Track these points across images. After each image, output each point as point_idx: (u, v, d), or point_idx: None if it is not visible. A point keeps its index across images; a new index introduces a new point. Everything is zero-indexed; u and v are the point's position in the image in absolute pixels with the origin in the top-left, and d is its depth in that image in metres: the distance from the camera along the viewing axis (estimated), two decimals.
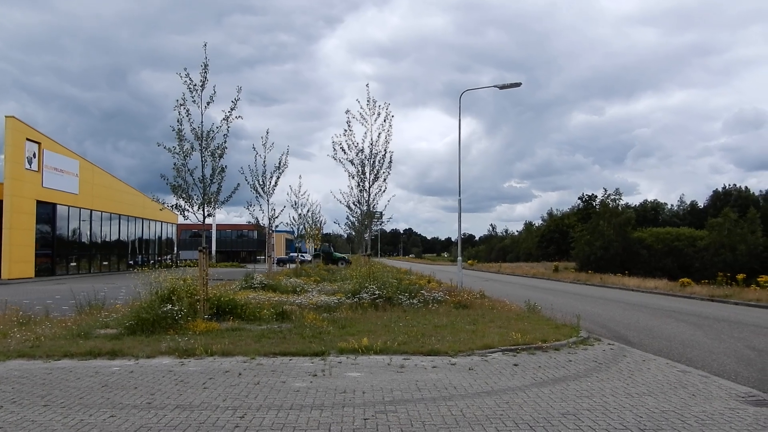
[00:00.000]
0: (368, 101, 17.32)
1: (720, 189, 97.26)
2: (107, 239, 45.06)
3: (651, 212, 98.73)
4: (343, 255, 61.60)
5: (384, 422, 5.57)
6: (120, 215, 46.45)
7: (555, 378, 7.60)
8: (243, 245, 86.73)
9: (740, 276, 24.58)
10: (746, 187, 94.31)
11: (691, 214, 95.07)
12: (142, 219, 50.49)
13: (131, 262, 47.41)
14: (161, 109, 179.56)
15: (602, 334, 11.79)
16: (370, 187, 17.85)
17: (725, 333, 12.85)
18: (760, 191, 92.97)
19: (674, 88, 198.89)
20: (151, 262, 47.32)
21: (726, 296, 21.73)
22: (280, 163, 24.07)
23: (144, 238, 51.93)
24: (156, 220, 52.88)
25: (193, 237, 76.07)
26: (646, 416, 5.90)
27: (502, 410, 6.04)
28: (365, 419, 5.68)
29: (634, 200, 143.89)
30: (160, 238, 55.74)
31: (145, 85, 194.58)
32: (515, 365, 8.34)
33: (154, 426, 5.43)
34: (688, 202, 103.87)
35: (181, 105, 12.27)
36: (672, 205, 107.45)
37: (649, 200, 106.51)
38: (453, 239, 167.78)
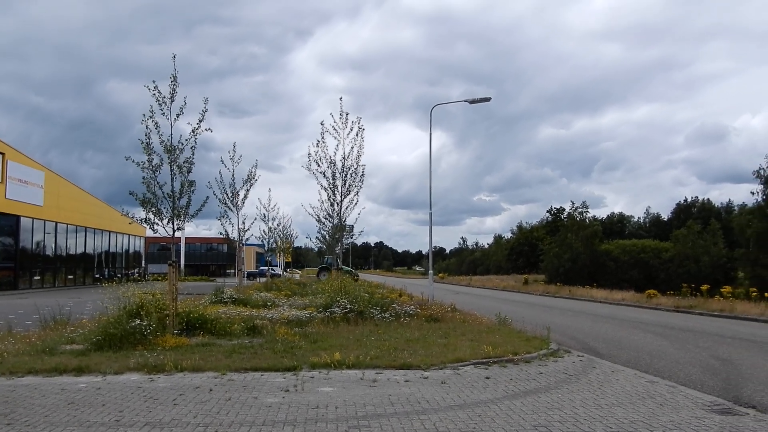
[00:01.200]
0: (341, 114, 17.38)
1: (683, 201, 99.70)
2: (73, 252, 44.12)
3: (617, 224, 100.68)
4: (350, 268, 59.65)
5: None
6: (86, 228, 45.55)
7: (526, 390, 7.67)
8: (212, 259, 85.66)
9: (704, 287, 25.17)
10: (708, 200, 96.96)
11: (655, 226, 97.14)
12: (109, 232, 49.59)
13: (97, 275, 46.48)
14: (129, 120, 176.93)
15: (572, 346, 11.93)
16: (341, 201, 17.85)
17: (691, 343, 13.12)
18: (722, 203, 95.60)
19: (639, 102, 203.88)
20: (118, 275, 46.44)
21: (691, 307, 22.22)
22: (249, 176, 23.89)
23: (111, 251, 50.99)
24: (123, 233, 51.99)
25: (161, 250, 74.91)
26: (616, 427, 5.99)
27: (474, 423, 6.07)
28: None
29: (601, 213, 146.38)
30: (127, 251, 54.80)
31: (112, 94, 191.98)
32: (487, 378, 8.39)
33: None
34: (653, 214, 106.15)
35: (149, 118, 12.13)
36: (638, 218, 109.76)
37: (615, 213, 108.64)
38: (424, 252, 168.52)
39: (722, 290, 24.41)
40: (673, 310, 22.58)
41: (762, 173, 46.79)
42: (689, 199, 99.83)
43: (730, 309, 20.43)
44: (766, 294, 22.41)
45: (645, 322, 17.93)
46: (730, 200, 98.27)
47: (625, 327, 16.65)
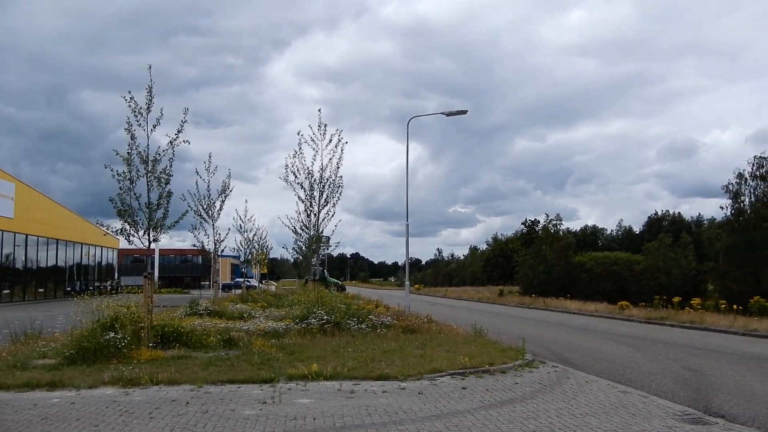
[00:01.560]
0: (319, 126, 17.45)
1: (654, 215, 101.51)
2: (44, 265, 43.24)
3: (591, 237, 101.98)
4: (336, 280, 58.81)
5: None
6: (58, 240, 44.72)
7: (502, 400, 7.76)
8: (187, 270, 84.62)
9: (676, 299, 25.62)
10: (679, 213, 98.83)
11: (627, 239, 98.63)
12: (81, 244, 48.74)
13: (69, 288, 45.61)
14: (102, 130, 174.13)
15: (547, 357, 12.08)
16: (318, 212, 17.88)
17: (662, 354, 13.37)
18: (692, 217, 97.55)
19: (612, 117, 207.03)
20: (91, 288, 45.68)
21: (662, 318, 22.60)
22: (224, 187, 23.76)
23: (83, 263, 50.09)
24: (96, 245, 51.15)
25: (135, 262, 73.82)
26: None
27: None
28: None
29: (575, 225, 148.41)
30: (100, 263, 53.89)
31: (86, 104, 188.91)
32: (464, 388, 8.47)
33: None
34: (625, 227, 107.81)
35: (126, 129, 12.08)
36: (611, 230, 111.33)
37: (588, 225, 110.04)
38: (400, 263, 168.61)
39: (692, 302, 24.89)
40: (645, 321, 22.95)
41: (731, 188, 47.99)
42: (660, 213, 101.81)
43: (700, 321, 20.83)
44: (734, 306, 22.92)
45: (618, 334, 18.22)
46: (700, 214, 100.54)
47: (599, 338, 16.90)
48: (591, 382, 9.34)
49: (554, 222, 68.79)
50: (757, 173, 47.07)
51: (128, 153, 12.04)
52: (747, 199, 47.52)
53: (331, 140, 17.33)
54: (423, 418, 6.79)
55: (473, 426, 6.43)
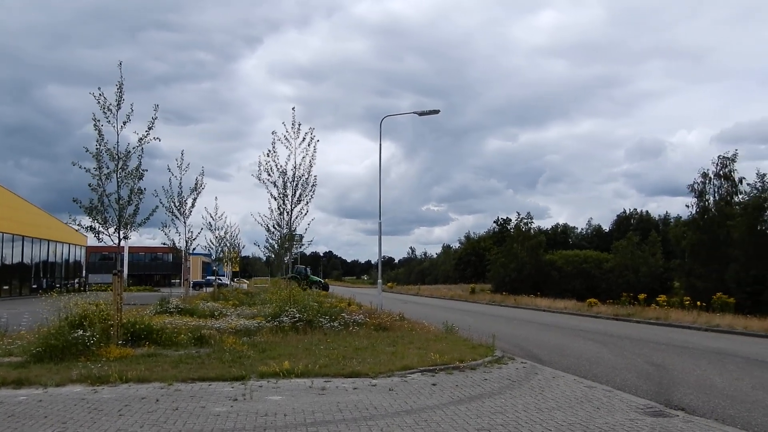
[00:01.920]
0: (293, 124, 17.41)
1: (623, 213, 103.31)
2: (9, 262, 42.26)
3: (561, 235, 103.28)
4: (319, 279, 57.79)
5: None
6: (23, 237, 43.74)
7: (471, 396, 7.90)
8: (157, 268, 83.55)
9: (641, 296, 26.20)
10: (647, 212, 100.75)
11: (597, 237, 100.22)
12: (48, 241, 47.76)
13: (35, 286, 44.70)
14: (69, 126, 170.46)
15: (516, 353, 12.28)
16: (291, 210, 17.84)
17: (628, 350, 13.69)
18: (659, 215, 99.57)
19: (582, 117, 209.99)
20: (58, 286, 44.79)
21: (629, 315, 23.10)
22: (196, 185, 23.56)
23: (50, 260, 49.10)
24: (63, 242, 50.18)
25: (103, 260, 72.61)
26: (555, 429, 6.26)
27: (420, 428, 6.24)
28: None
29: (546, 224, 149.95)
30: (67, 261, 52.86)
31: (52, 99, 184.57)
32: (434, 385, 8.59)
33: None
34: (595, 226, 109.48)
35: (94, 125, 11.93)
36: (581, 229, 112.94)
37: (559, 224, 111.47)
38: (373, 262, 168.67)
39: (658, 299, 25.48)
40: (612, 318, 23.43)
41: (696, 187, 49.13)
42: (629, 211, 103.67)
43: (665, 317, 21.35)
44: (697, 303, 23.54)
45: (586, 330, 18.57)
46: (667, 212, 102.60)
47: (567, 335, 17.21)
48: (558, 377, 9.54)
49: (525, 221, 69.60)
50: (721, 173, 48.28)
51: (97, 149, 11.89)
52: (711, 198, 48.71)
53: (304, 139, 17.32)
54: (393, 413, 6.88)
55: (442, 421, 6.55)
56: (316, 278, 55.44)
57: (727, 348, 14.10)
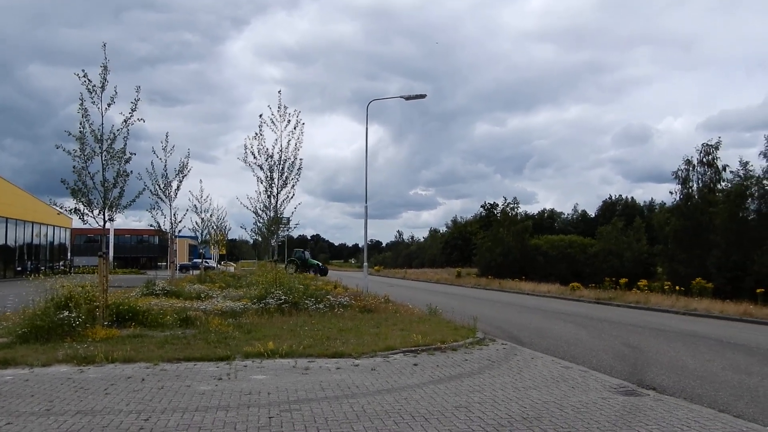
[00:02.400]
0: (279, 107, 17.42)
1: (609, 199, 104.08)
2: None
3: (548, 220, 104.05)
4: (317, 262, 56.10)
5: (288, 420, 5.82)
6: (7, 219, 43.40)
7: (451, 375, 8.12)
8: (143, 251, 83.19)
9: (623, 280, 26.62)
10: (632, 198, 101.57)
11: (583, 223, 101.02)
12: (32, 223, 47.44)
13: (19, 268, 44.47)
14: (52, 106, 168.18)
15: (497, 335, 12.53)
16: (278, 193, 17.91)
17: (606, 332, 14.01)
18: (644, 202, 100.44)
19: (570, 103, 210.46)
20: (42, 268, 44.58)
21: (610, 299, 23.50)
22: (182, 167, 23.53)
23: (34, 243, 48.80)
24: (47, 224, 49.86)
25: (88, 242, 72.23)
26: (530, 407, 6.48)
27: (400, 405, 6.44)
28: (270, 417, 5.90)
29: (533, 209, 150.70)
30: (51, 243, 52.55)
31: (33, 79, 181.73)
32: (415, 365, 8.79)
33: (55, 431, 5.39)
34: (581, 211, 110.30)
35: (80, 106, 11.92)
36: (567, 214, 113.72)
37: (546, 209, 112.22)
38: (360, 245, 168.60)
39: (639, 283, 25.92)
40: (594, 301, 23.83)
41: (680, 174, 49.69)
42: (614, 197, 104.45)
43: (645, 301, 21.77)
44: (677, 287, 23.98)
45: (567, 313, 18.91)
46: (652, 199, 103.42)
47: (548, 317, 17.53)
48: (537, 358, 9.79)
49: (512, 206, 70.00)
50: (704, 160, 48.84)
51: (81, 131, 11.89)
52: (695, 185, 49.30)
53: (290, 122, 17.35)
54: (374, 392, 7.08)
55: (421, 399, 6.75)
56: (314, 262, 54.55)
57: (702, 331, 14.45)
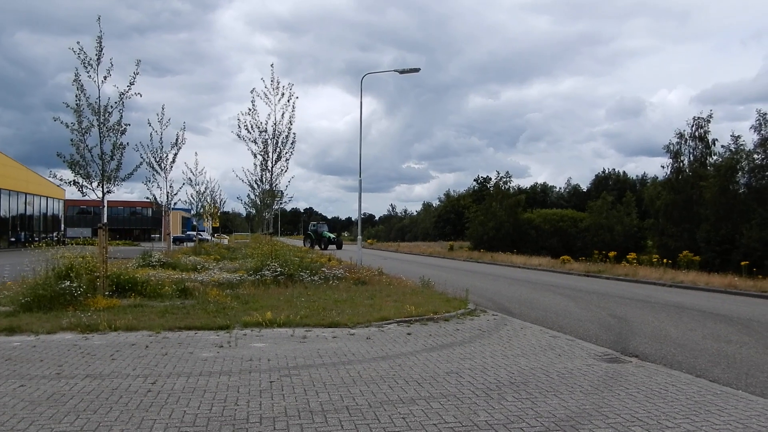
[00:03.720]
0: (272, 81, 17.49)
1: (601, 173, 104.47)
2: None
3: (540, 194, 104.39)
4: (332, 234, 55.08)
5: (288, 384, 6.13)
6: (0, 189, 43.38)
7: (443, 344, 8.45)
8: (136, 223, 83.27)
9: (612, 253, 27.08)
10: (624, 172, 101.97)
11: (575, 197, 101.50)
12: (25, 194, 47.38)
13: (12, 239, 44.56)
14: (41, 75, 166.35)
15: (488, 307, 12.89)
16: (272, 167, 18.08)
17: (593, 303, 14.40)
18: (637, 176, 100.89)
19: (564, 75, 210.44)
20: (36, 239, 44.66)
21: (599, 271, 23.95)
22: (177, 140, 23.64)
23: (27, 214, 48.80)
24: (40, 195, 49.81)
25: (81, 214, 72.21)
26: (517, 373, 6.82)
27: (394, 371, 6.76)
28: (271, 381, 6.21)
29: (526, 183, 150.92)
30: (45, 214, 52.55)
31: (21, 47, 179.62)
32: (408, 334, 9.13)
33: (67, 393, 5.68)
34: (573, 185, 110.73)
35: (74, 80, 11.98)
36: (559, 188, 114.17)
37: (539, 183, 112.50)
38: (353, 219, 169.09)
39: (628, 257, 26.39)
40: (583, 274, 24.27)
41: (671, 148, 49.97)
42: (608, 171, 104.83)
43: (633, 274, 22.21)
44: (664, 260, 24.44)
45: (557, 285, 19.32)
46: (644, 173, 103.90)
47: (539, 289, 17.92)
48: (526, 328, 10.14)
49: (505, 179, 70.22)
50: (696, 134, 49.13)
51: (77, 104, 11.98)
52: (686, 159, 49.65)
53: (283, 94, 17.44)
54: (369, 359, 7.40)
55: (414, 365, 7.08)
56: (328, 235, 54.45)
57: (687, 302, 14.87)
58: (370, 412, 5.24)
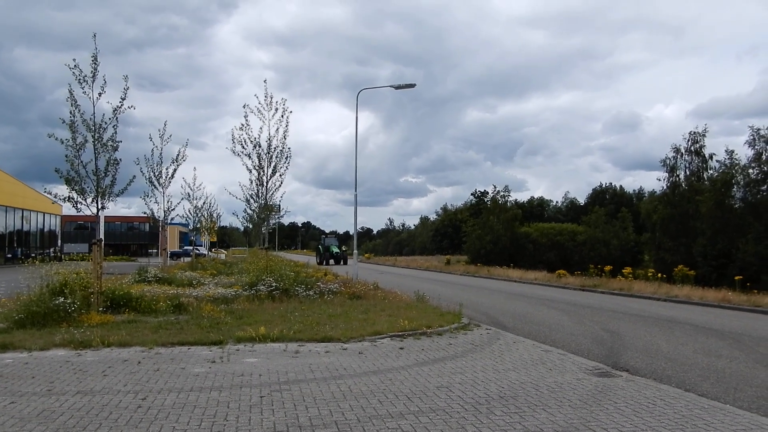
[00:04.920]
0: (266, 96, 17.64)
1: (598, 187, 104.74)
2: None
3: (537, 208, 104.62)
4: (338, 250, 52.49)
5: (279, 399, 6.16)
6: None
7: (435, 358, 8.48)
8: (133, 238, 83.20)
9: (607, 268, 27.16)
10: (621, 186, 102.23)
11: (572, 210, 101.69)
12: (22, 210, 47.39)
13: (9, 255, 44.51)
14: (38, 90, 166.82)
15: (482, 321, 12.92)
16: (267, 182, 18.18)
17: (587, 318, 14.43)
18: (634, 190, 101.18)
19: (561, 89, 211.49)
20: (33, 255, 44.63)
21: (595, 286, 23.99)
22: (178, 156, 23.74)
23: (24, 229, 48.78)
24: (38, 211, 49.81)
25: (78, 229, 72.10)
26: (507, 387, 6.86)
27: (385, 386, 6.79)
28: (261, 396, 6.24)
29: (523, 196, 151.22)
30: (42, 230, 52.55)
31: (19, 63, 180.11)
32: (401, 348, 9.15)
33: (57, 409, 5.71)
34: (570, 199, 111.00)
35: (69, 96, 12.09)
36: (556, 202, 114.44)
37: (536, 197, 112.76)
38: (351, 232, 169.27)
39: (624, 271, 26.45)
40: (579, 288, 24.30)
41: (668, 162, 50.25)
42: (604, 185, 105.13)
43: (628, 288, 22.26)
44: (659, 275, 24.50)
45: (552, 300, 19.35)
46: (641, 187, 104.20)
47: (533, 304, 17.95)
48: (518, 342, 10.17)
49: (502, 193, 70.46)
50: (692, 148, 49.43)
51: (72, 120, 12.08)
52: (682, 174, 49.91)
53: (277, 110, 17.59)
54: (361, 374, 7.43)
55: (405, 380, 7.11)
56: (335, 250, 52.41)
57: (680, 317, 14.91)
58: (359, 427, 5.27)
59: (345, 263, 47.99)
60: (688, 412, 5.93)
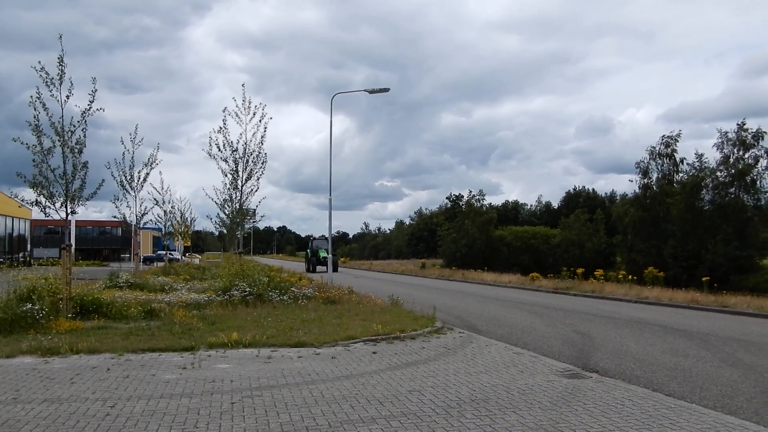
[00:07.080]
0: (243, 100, 17.56)
1: (572, 190, 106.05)
2: None
3: (512, 212, 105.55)
4: (327, 255, 46.49)
5: (250, 405, 6.13)
6: None
7: (408, 362, 8.51)
8: (105, 243, 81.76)
9: (580, 270, 27.49)
10: (593, 189, 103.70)
11: (546, 214, 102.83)
12: None
13: None
14: (5, 92, 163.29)
15: (455, 324, 12.98)
16: (242, 186, 18.08)
17: (559, 320, 14.60)
18: (606, 193, 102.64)
19: (535, 94, 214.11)
20: (1, 260, 43.66)
21: (567, 288, 24.26)
22: (149, 159, 23.47)
23: None
24: (6, 215, 48.76)
25: (49, 234, 70.70)
26: (479, 390, 6.91)
27: (357, 390, 6.80)
28: (232, 403, 6.20)
29: (498, 200, 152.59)
30: (10, 234, 51.43)
31: None
32: (374, 353, 9.17)
33: (22, 418, 5.60)
34: (544, 203, 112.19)
35: (36, 98, 11.85)
36: (531, 205, 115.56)
37: (510, 200, 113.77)
38: (327, 237, 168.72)
39: (596, 273, 26.81)
40: (552, 291, 24.57)
41: (641, 166, 51.11)
42: (578, 188, 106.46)
43: (600, 290, 22.56)
44: (630, 277, 24.89)
45: (525, 302, 19.53)
46: (613, 190, 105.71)
47: (507, 307, 18.11)
48: (491, 345, 10.25)
49: (477, 197, 71.04)
50: (664, 152, 50.37)
51: (37, 123, 11.83)
52: (655, 176, 50.83)
53: (255, 114, 17.51)
54: (333, 378, 7.43)
55: (378, 384, 7.12)
56: (323, 255, 44.43)
57: (649, 318, 15.15)
58: None
59: (335, 270, 40.21)
60: (655, 412, 6.04)
